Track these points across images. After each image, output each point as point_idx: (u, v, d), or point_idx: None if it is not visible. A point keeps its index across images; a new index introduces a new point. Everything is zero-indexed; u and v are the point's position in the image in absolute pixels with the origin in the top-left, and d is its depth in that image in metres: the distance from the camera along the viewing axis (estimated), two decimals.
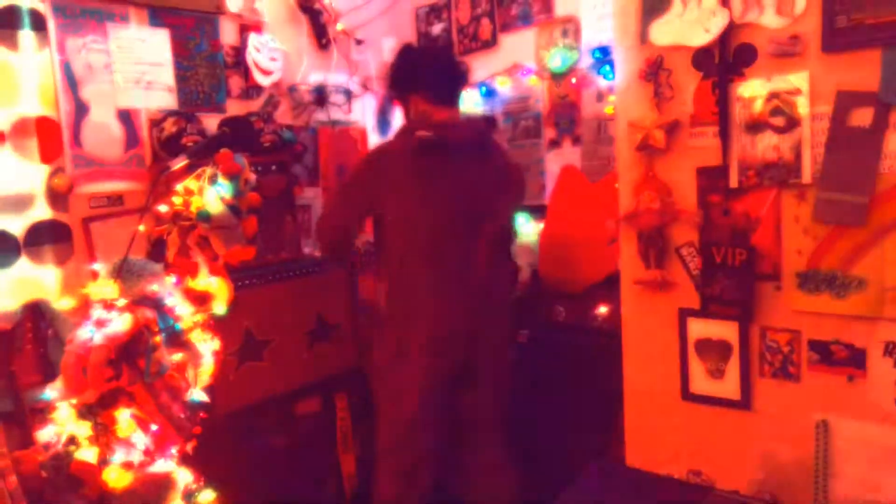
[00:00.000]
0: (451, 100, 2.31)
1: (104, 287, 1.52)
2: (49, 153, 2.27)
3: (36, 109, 2.25)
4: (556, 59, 3.00)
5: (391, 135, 2.57)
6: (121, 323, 1.48)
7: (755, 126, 1.55)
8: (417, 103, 2.28)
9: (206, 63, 2.76)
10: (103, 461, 1.48)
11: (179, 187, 1.64)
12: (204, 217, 1.62)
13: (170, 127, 2.52)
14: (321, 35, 3.19)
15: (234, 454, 2.40)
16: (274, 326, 2.52)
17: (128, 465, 1.49)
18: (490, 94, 3.27)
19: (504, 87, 3.22)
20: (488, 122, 2.44)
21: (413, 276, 2.21)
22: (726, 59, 1.57)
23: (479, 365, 2.27)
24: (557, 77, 3.05)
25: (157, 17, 2.59)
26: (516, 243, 2.59)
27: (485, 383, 2.30)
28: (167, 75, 2.63)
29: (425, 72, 2.29)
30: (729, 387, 1.66)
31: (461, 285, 2.20)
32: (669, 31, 1.64)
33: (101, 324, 1.48)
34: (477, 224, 2.23)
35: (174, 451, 1.58)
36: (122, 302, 1.51)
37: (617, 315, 1.90)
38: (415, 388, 2.21)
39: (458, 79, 2.34)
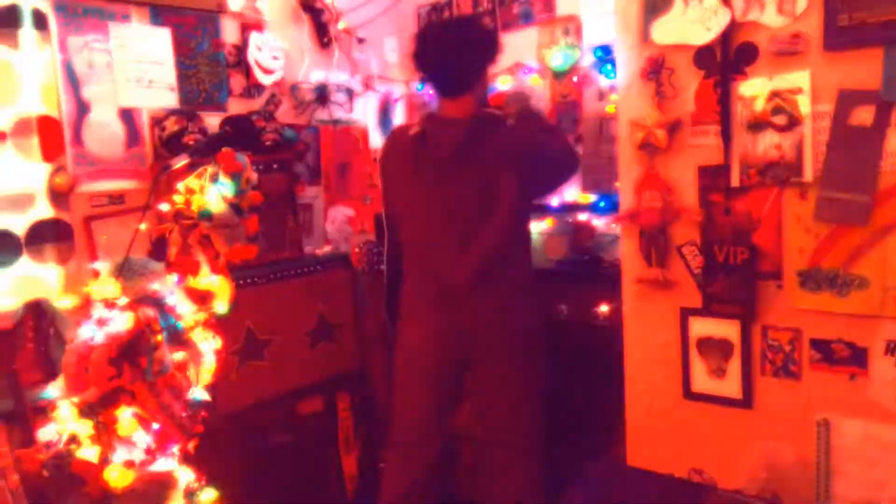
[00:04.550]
0: (455, 90, 2.05)
1: (105, 286, 1.52)
2: (50, 152, 2.27)
3: (37, 108, 2.24)
4: (557, 58, 3.00)
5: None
6: (122, 322, 1.48)
7: (757, 125, 1.55)
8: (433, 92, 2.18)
9: (207, 62, 2.75)
10: (105, 460, 1.48)
11: (181, 186, 1.64)
12: (205, 216, 1.62)
13: (171, 126, 2.51)
14: (323, 34, 3.19)
15: (236, 454, 2.39)
16: (275, 326, 2.51)
17: (129, 464, 1.49)
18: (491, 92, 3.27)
19: (505, 85, 3.21)
20: (489, 119, 2.07)
21: (408, 274, 2.20)
22: (728, 57, 1.57)
23: (483, 363, 2.12)
24: (559, 76, 3.04)
25: (159, 15, 2.59)
26: None
27: (490, 384, 2.13)
28: (169, 74, 2.63)
29: (423, 61, 2.07)
30: (730, 385, 1.66)
31: (449, 290, 2.07)
32: (671, 29, 1.64)
33: (102, 322, 1.48)
34: (470, 222, 2.03)
35: (176, 450, 1.58)
36: (123, 301, 1.51)
37: (618, 313, 1.89)
38: (413, 384, 2.19)
39: (458, 64, 2.03)
